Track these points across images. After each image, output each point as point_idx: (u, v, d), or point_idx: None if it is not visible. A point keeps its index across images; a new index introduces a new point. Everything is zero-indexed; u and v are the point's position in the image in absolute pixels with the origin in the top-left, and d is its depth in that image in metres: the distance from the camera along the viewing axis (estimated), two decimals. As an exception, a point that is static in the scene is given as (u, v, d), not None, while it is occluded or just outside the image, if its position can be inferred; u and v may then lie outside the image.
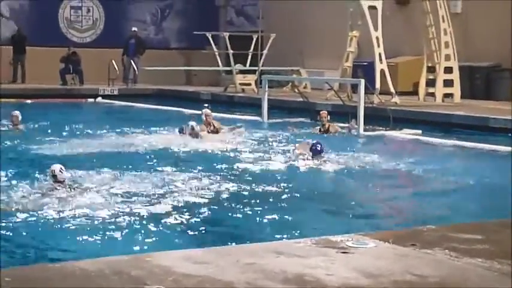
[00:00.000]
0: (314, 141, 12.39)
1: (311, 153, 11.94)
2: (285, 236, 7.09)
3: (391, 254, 4.79)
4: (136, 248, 6.80)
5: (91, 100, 24.56)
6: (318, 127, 16.13)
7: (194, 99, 24.82)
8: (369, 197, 9.93)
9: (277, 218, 8.24)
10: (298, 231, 7.43)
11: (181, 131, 14.78)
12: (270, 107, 18.74)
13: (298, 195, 9.52)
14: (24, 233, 7.40)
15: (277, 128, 16.79)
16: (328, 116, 16.11)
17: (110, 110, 22.45)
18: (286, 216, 8.29)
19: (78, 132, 15.48)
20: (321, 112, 16.41)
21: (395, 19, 23.45)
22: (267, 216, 8.25)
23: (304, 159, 11.92)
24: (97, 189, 9.28)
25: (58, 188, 9.04)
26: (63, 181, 9.15)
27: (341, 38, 22.35)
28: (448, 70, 21.12)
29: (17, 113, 15.96)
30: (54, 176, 9.14)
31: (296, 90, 21.93)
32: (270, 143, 14.31)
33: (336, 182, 10.59)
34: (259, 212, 8.48)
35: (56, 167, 9.20)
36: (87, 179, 9.91)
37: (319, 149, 11.95)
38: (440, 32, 20.92)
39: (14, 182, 9.59)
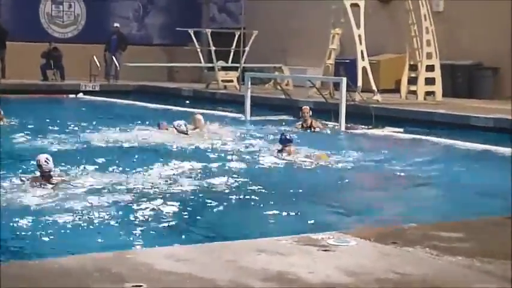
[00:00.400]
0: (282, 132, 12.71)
1: (279, 144, 12.21)
2: (267, 233, 7.08)
3: (372, 252, 4.80)
4: (118, 244, 6.78)
5: (72, 96, 24.46)
6: (300, 123, 16.15)
7: (176, 95, 24.80)
8: (350, 194, 9.95)
9: (259, 215, 8.25)
10: (280, 229, 7.43)
11: (159, 126, 14.87)
12: (253, 104, 18.73)
13: (280, 192, 9.52)
14: (2, 228, 7.35)
15: (260, 125, 16.80)
16: (310, 112, 16.13)
17: (91, 106, 22.36)
18: (268, 214, 8.29)
19: (59, 128, 15.39)
20: (303, 108, 16.43)
21: (378, 17, 23.50)
22: (248, 214, 8.26)
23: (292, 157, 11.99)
24: (77, 185, 9.25)
25: (38, 182, 9.02)
26: (49, 171, 9.08)
27: (323, 36, 22.36)
28: (430, 68, 21.19)
29: None
30: (39, 166, 9.08)
31: (279, 87, 21.94)
32: (253, 140, 14.30)
33: (316, 180, 10.59)
34: (241, 209, 8.48)
35: (42, 157, 9.13)
36: (69, 174, 9.87)
37: (288, 137, 12.20)
38: (422, 30, 20.98)
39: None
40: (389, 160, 12.56)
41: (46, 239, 7.06)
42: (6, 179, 9.34)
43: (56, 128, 15.37)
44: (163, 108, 21.08)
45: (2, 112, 15.83)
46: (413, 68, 21.29)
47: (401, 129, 16.41)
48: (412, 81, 21.28)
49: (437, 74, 21.21)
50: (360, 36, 20.69)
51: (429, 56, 21.12)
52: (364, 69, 20.61)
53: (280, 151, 12.13)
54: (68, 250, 6.32)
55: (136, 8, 32.12)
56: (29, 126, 15.44)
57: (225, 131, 15.27)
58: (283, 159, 11.80)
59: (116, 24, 29.12)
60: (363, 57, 20.72)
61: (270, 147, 13.21)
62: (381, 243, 4.97)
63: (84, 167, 10.50)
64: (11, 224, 7.47)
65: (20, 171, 9.92)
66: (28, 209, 8.04)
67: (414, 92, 21.13)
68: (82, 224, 7.53)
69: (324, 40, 22.19)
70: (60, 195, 8.69)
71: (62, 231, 7.28)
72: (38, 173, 9.16)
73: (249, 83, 19.11)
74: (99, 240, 7.06)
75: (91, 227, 7.47)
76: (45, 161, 9.08)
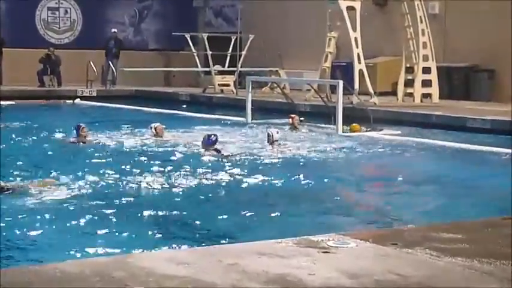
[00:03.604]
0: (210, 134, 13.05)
1: (205, 144, 12.58)
2: (266, 236, 7.08)
3: (372, 254, 4.79)
4: (118, 249, 6.77)
5: (69, 101, 24.45)
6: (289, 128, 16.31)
7: (173, 100, 24.78)
8: (349, 197, 9.95)
9: (258, 218, 8.25)
10: (279, 231, 7.42)
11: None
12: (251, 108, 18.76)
13: (280, 194, 9.53)
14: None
15: (261, 128, 16.82)
16: (297, 120, 16.28)
17: (88, 111, 22.34)
18: (267, 217, 8.29)
19: (56, 133, 15.36)
20: (293, 116, 16.46)
21: (374, 20, 23.53)
22: (248, 217, 8.25)
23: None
24: (75, 189, 9.25)
25: (35, 187, 9.05)
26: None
27: (320, 39, 22.38)
28: (426, 70, 21.22)
29: None
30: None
31: (281, 91, 21.98)
32: (256, 143, 14.31)
33: (315, 183, 10.58)
34: (240, 212, 8.48)
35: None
36: (67, 179, 9.89)
37: (213, 139, 12.55)
38: (418, 33, 21.01)
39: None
40: (386, 162, 12.57)
41: (41, 243, 7.04)
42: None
43: (52, 133, 15.33)
44: (160, 112, 21.06)
45: None
46: (410, 70, 21.32)
47: (399, 132, 16.42)
48: (409, 83, 21.31)
49: (433, 76, 21.24)
50: (356, 39, 20.71)
51: (425, 58, 21.15)
52: (360, 72, 20.63)
53: (214, 151, 12.36)
54: (67, 255, 6.31)
55: (132, 13, 32.14)
56: (25, 131, 15.41)
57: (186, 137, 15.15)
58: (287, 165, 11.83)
59: (113, 30, 29.14)
60: (359, 60, 20.74)
61: (271, 148, 13.27)
62: (380, 245, 4.96)
63: (81, 171, 10.48)
64: (7, 229, 7.45)
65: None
66: (23, 213, 8.02)
67: (411, 95, 21.16)
68: (79, 228, 7.50)
69: (320, 43, 22.20)
70: (56, 198, 8.67)
71: (58, 236, 7.25)
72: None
73: (250, 86, 19.12)
74: (99, 244, 7.03)
75: (89, 231, 7.44)
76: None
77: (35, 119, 17.92)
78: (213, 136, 12.82)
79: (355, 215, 8.73)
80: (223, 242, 6.86)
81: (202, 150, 12.74)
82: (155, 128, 14.86)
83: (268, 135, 13.78)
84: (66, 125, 16.17)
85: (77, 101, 24.65)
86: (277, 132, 13.97)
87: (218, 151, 12.53)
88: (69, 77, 26.92)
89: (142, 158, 12.21)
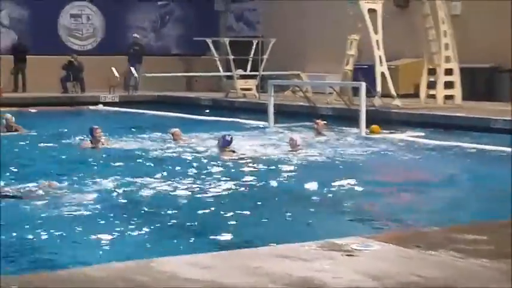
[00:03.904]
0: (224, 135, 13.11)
1: (220, 145, 12.63)
2: (290, 239, 7.10)
3: (395, 256, 4.80)
4: (142, 253, 6.81)
5: (92, 108, 24.57)
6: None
7: (195, 105, 24.84)
8: (373, 199, 9.93)
9: (282, 221, 8.28)
10: (303, 234, 7.43)
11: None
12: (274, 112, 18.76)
13: (304, 198, 9.55)
14: (25, 238, 7.39)
15: (284, 132, 16.84)
16: (323, 125, 16.25)
17: (111, 117, 22.44)
18: (291, 220, 8.32)
19: (78, 138, 15.45)
20: (318, 121, 16.43)
21: (396, 22, 23.45)
22: (271, 220, 8.28)
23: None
24: (98, 194, 9.32)
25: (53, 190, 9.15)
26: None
27: (341, 42, 22.36)
28: (449, 72, 21.12)
29: (8, 115, 16.13)
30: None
31: (303, 94, 21.98)
32: (279, 147, 14.34)
33: (339, 186, 10.58)
34: (263, 216, 8.51)
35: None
36: (89, 184, 9.97)
37: (229, 139, 12.60)
38: (440, 34, 20.92)
39: (14, 186, 9.65)
40: (410, 164, 12.55)
41: (68, 249, 7.09)
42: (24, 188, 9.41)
43: (75, 138, 15.43)
44: (182, 117, 21.12)
45: (13, 119, 16.04)
46: (432, 72, 21.23)
47: (422, 133, 16.38)
48: (431, 85, 21.22)
49: (456, 78, 21.14)
50: (377, 41, 20.67)
51: (448, 59, 21.06)
52: (382, 74, 20.58)
53: (230, 152, 12.46)
54: (92, 260, 6.35)
55: (154, 18, 32.24)
56: (48, 137, 15.52)
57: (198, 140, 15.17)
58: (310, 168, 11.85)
59: (135, 35, 29.26)
60: (381, 62, 20.69)
61: (295, 151, 13.34)
62: (404, 247, 4.97)
63: (102, 176, 10.56)
64: (33, 234, 7.50)
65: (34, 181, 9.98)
66: (47, 219, 8.07)
67: (433, 96, 21.07)
68: (99, 234, 7.54)
69: (341, 46, 22.17)
70: (78, 204, 8.74)
71: (83, 241, 7.30)
72: None
73: (272, 90, 19.11)
74: (121, 249, 7.08)
75: (109, 236, 7.48)
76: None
77: (58, 125, 18.01)
78: (228, 136, 12.84)
79: (378, 218, 8.71)
80: (246, 246, 6.87)
81: (217, 151, 12.79)
82: (173, 134, 14.92)
83: (291, 139, 13.76)
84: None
85: (100, 107, 24.76)
86: (300, 138, 13.97)
87: (234, 151, 12.58)
88: (92, 83, 27.05)
89: (161, 163, 12.24)
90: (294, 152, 13.34)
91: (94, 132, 13.89)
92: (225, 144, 12.60)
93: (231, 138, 12.82)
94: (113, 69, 26.62)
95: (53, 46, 29.01)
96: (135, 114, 22.65)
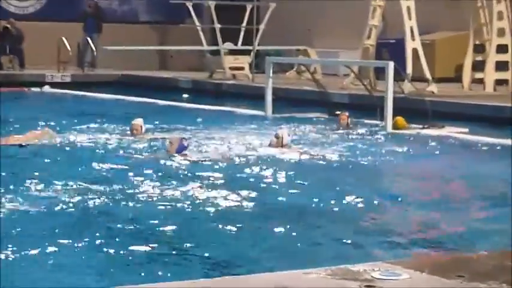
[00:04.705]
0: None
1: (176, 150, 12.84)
2: (293, 264, 7.09)
3: (431, 289, 4.78)
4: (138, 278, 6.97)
5: (36, 89, 24.54)
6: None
7: (170, 87, 24.87)
8: (401, 213, 9.93)
9: (284, 242, 8.32)
10: (309, 259, 7.44)
11: None
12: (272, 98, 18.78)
13: (312, 211, 9.59)
14: None
15: (284, 124, 16.84)
16: (349, 120, 16.25)
17: (60, 102, 22.41)
18: (295, 240, 8.34)
19: (18, 131, 15.43)
20: (341, 115, 16.45)
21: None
22: (271, 241, 8.31)
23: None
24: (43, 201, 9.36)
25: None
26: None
27: (361, 9, 22.37)
28: (502, 49, 21.17)
29: None
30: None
31: (310, 76, 22.00)
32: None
33: (356, 196, 10.58)
34: (262, 235, 8.57)
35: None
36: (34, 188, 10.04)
37: (185, 145, 12.93)
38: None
39: None
40: (451, 168, 12.54)
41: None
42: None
43: (13, 130, 15.39)
44: (152, 103, 21.11)
45: None
46: (480, 49, 21.26)
47: (466, 129, 16.39)
48: (478, 66, 21.25)
49: (511, 57, 21.18)
50: (408, 8, 20.70)
51: (501, 32, 21.09)
52: (414, 51, 20.61)
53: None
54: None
55: (118, -25, 32.26)
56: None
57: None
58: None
59: (91, -4, 29.26)
60: (412, 36, 20.74)
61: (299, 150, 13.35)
62: (441, 277, 4.94)
63: (52, 181, 10.55)
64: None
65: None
66: None
67: (481, 81, 21.11)
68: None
69: (361, 14, 22.19)
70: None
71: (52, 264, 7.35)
72: None
73: (271, 70, 19.13)
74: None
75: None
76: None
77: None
78: (185, 140, 13.00)
79: (408, 238, 8.70)
80: (239, 270, 6.89)
81: (167, 153, 12.85)
82: (132, 126, 14.90)
83: (277, 136, 13.70)
84: (31, 120, 16.23)
85: (46, 88, 24.72)
86: (289, 135, 13.95)
87: (185, 155, 12.77)
88: (35, 58, 27.01)
89: (117, 164, 12.26)
90: (297, 151, 13.37)
91: None
92: (181, 149, 12.70)
93: (188, 144, 12.97)
94: (63, 39, 26.57)
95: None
96: (91, 99, 22.62)
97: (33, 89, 24.68)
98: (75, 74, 26.71)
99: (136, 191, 10.36)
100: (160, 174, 11.47)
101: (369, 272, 4.97)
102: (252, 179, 11.38)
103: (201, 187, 10.61)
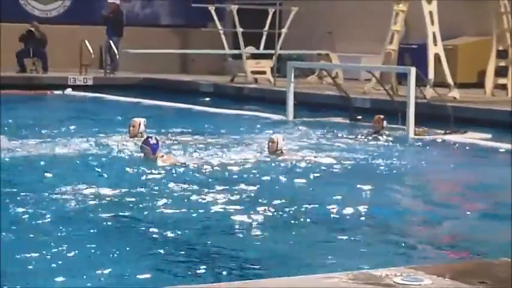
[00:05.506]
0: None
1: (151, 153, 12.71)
2: (313, 268, 7.06)
3: (453, 295, 4.74)
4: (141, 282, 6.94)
5: (58, 92, 24.59)
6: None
7: (191, 91, 24.85)
8: (424, 219, 9.89)
9: (303, 246, 8.31)
10: (330, 263, 7.41)
11: None
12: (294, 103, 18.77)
13: (334, 216, 9.56)
14: None
15: (307, 129, 16.81)
16: (384, 122, 16.21)
17: (82, 105, 22.45)
18: (316, 245, 8.34)
19: (40, 134, 15.46)
20: (376, 117, 16.40)
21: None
22: (290, 245, 8.30)
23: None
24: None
25: None
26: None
27: (383, 14, 22.32)
28: (525, 55, 21.10)
29: None
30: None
31: (332, 81, 21.97)
32: (300, 150, 14.30)
33: (379, 202, 10.55)
34: (281, 240, 8.54)
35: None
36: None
37: (154, 142, 12.79)
38: (516, 4, 20.92)
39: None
40: (473, 175, 12.49)
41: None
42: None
43: (36, 134, 15.42)
44: (174, 107, 21.11)
45: None
46: (503, 54, 21.19)
47: (488, 135, 16.32)
48: (501, 72, 21.18)
49: (534, 63, 21.12)
50: (431, 13, 20.65)
51: (525, 38, 21.02)
52: (436, 56, 20.56)
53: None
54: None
55: (139, -22, 32.31)
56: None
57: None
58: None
59: (112, 0, 29.25)
60: (435, 41, 20.68)
61: (320, 156, 13.38)
62: (464, 282, 4.90)
63: (74, 182, 10.57)
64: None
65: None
66: None
67: (504, 87, 21.03)
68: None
69: (383, 19, 22.14)
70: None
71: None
72: None
73: (292, 75, 19.13)
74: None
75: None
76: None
77: (10, 114, 18.00)
78: (151, 139, 12.89)
79: (430, 243, 8.67)
80: (259, 274, 6.86)
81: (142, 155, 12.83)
82: (131, 123, 14.92)
83: (272, 141, 13.61)
84: (53, 122, 16.27)
85: (68, 91, 24.77)
86: (283, 139, 13.85)
87: (163, 156, 12.74)
88: (58, 61, 27.08)
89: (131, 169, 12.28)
90: (307, 155, 13.35)
91: None
92: (155, 149, 12.65)
93: (156, 139, 12.89)
94: (86, 42, 26.63)
95: (7, 11, 29.00)
96: (112, 102, 22.64)
97: (55, 92, 24.73)
98: (97, 77, 26.74)
99: (137, 195, 10.34)
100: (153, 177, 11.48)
101: (390, 277, 4.94)
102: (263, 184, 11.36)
103: (204, 191, 10.60)
